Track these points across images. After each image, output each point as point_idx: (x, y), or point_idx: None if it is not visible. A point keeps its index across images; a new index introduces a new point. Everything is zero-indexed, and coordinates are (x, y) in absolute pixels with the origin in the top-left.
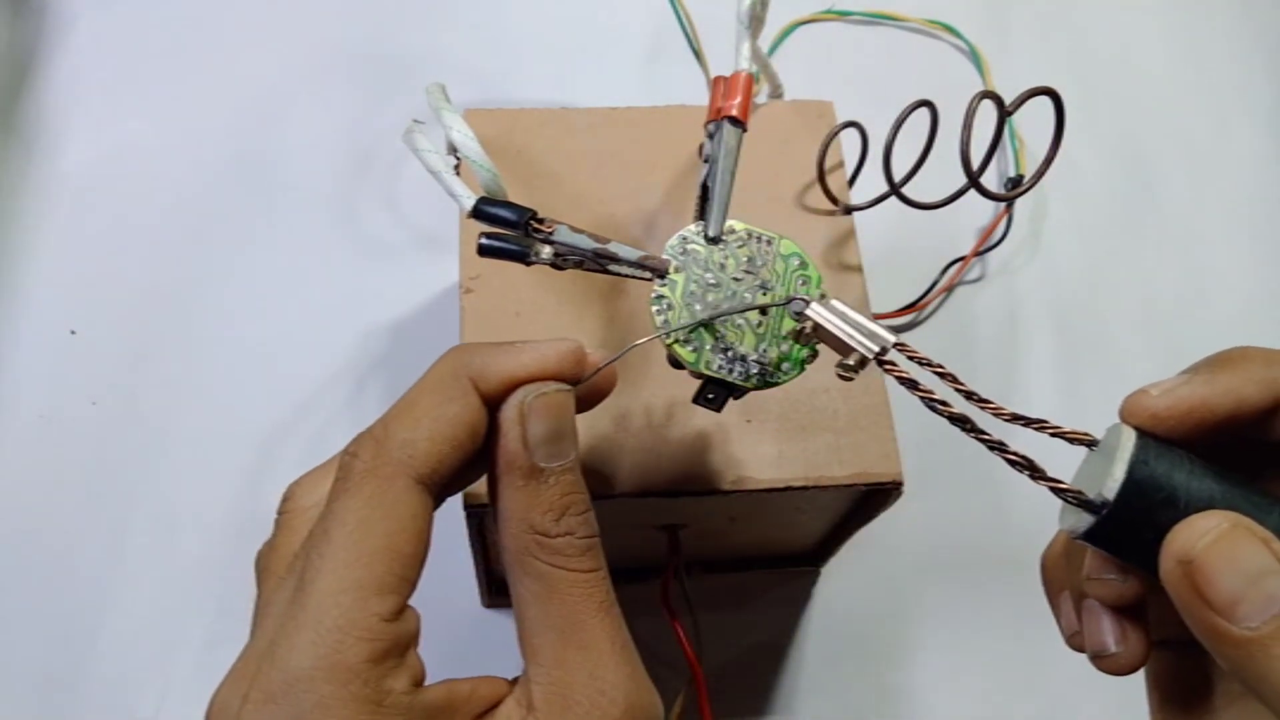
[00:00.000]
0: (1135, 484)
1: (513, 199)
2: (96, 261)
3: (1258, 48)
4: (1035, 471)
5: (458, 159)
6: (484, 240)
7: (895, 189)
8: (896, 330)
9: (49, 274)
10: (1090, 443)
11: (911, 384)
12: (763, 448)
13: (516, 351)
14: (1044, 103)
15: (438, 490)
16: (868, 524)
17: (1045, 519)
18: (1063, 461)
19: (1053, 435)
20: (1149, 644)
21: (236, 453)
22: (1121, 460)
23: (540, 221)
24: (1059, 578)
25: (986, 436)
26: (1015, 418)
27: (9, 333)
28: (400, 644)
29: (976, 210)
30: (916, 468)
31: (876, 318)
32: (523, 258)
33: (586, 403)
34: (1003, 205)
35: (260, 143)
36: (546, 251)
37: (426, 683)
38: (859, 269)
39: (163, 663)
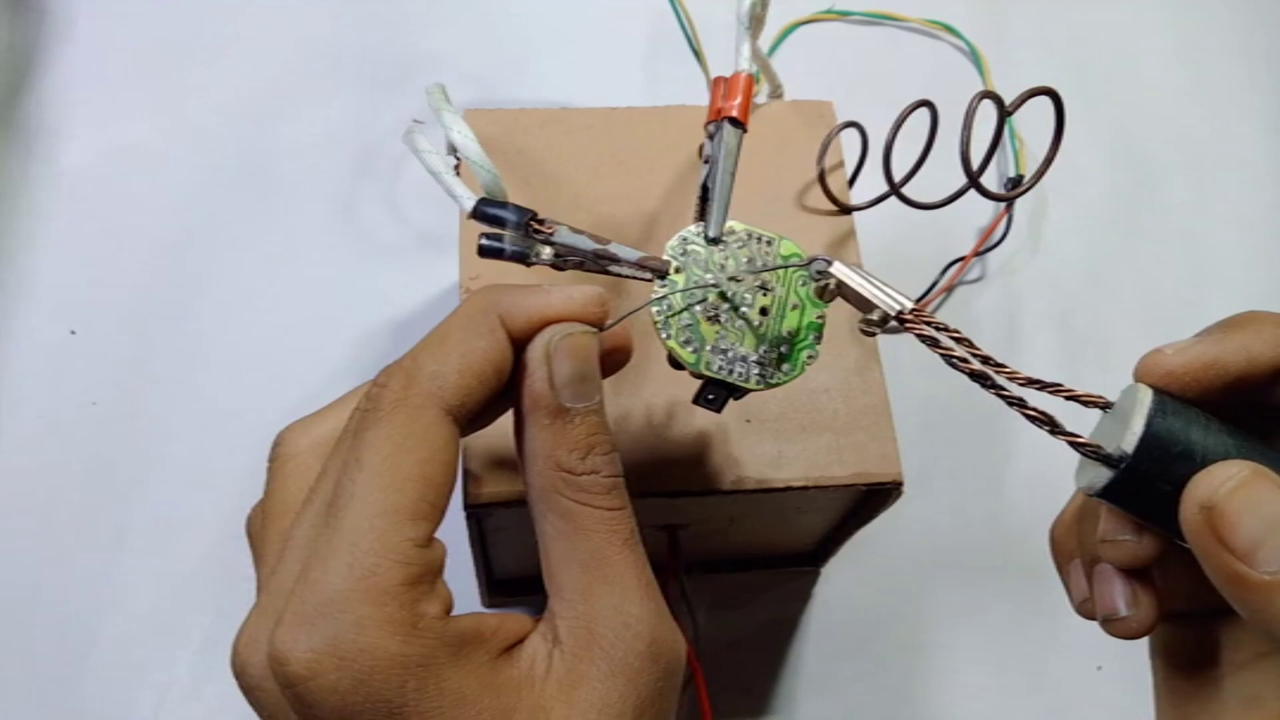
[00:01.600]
0: (1153, 437)
1: (513, 199)
2: (96, 261)
3: (1258, 48)
4: (1054, 427)
5: (458, 159)
6: (484, 241)
7: (895, 189)
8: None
9: (49, 274)
10: (1105, 405)
11: (932, 341)
12: (763, 448)
13: (544, 293)
14: (1044, 103)
15: (464, 423)
16: (868, 524)
17: (1045, 519)
18: (1076, 428)
19: (1068, 399)
20: (1159, 608)
21: (236, 453)
22: (1139, 415)
23: (540, 222)
24: (1069, 546)
25: (1006, 393)
26: (1030, 381)
27: (9, 333)
28: (432, 570)
29: (976, 210)
30: (916, 468)
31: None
32: (523, 259)
33: (608, 364)
34: (1003, 205)
35: (260, 143)
36: (547, 252)
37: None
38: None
39: (163, 663)
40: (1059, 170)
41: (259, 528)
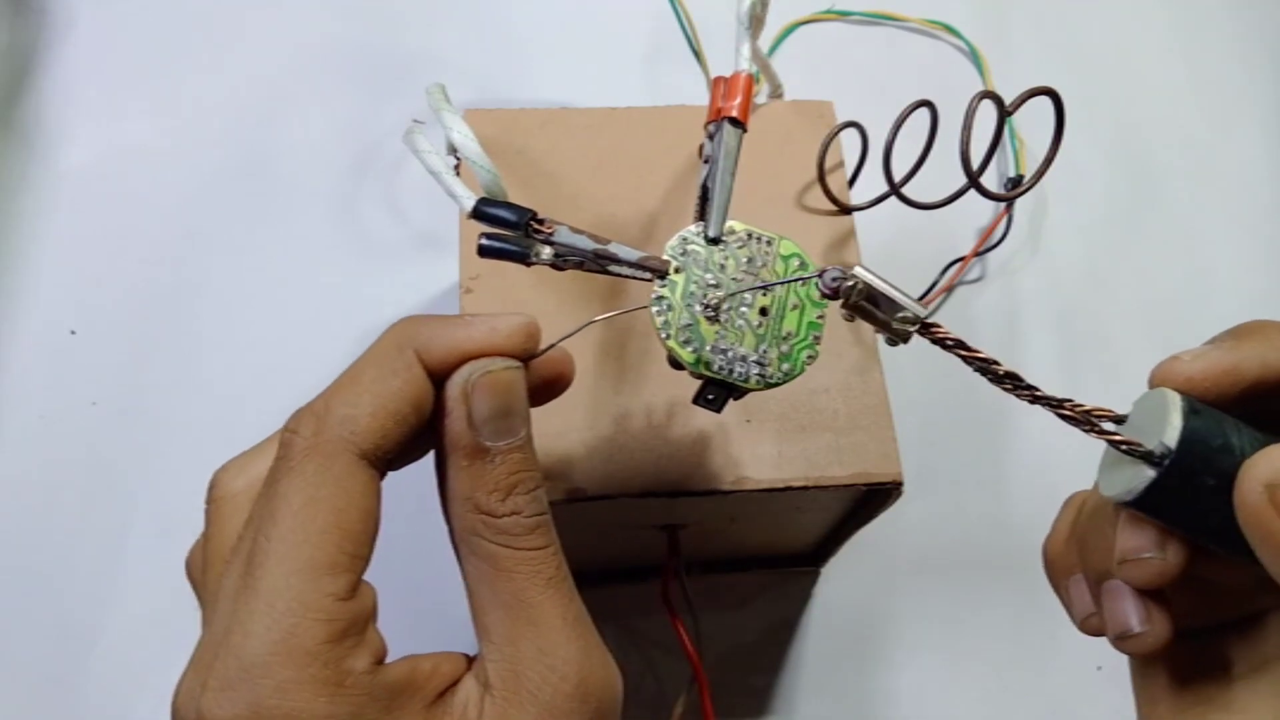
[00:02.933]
0: (1194, 431)
1: (513, 199)
2: (96, 261)
3: (1258, 48)
4: (1092, 425)
5: (458, 159)
6: (484, 241)
7: (895, 189)
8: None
9: (49, 274)
10: (1118, 419)
11: (960, 345)
12: (763, 448)
13: (465, 325)
14: (1044, 103)
15: (383, 465)
16: (868, 524)
17: (1044, 519)
18: (1068, 450)
19: (1079, 414)
20: (1173, 622)
21: (236, 453)
22: (1175, 411)
23: (540, 222)
24: (1067, 563)
25: (1041, 393)
26: (1036, 398)
27: (9, 333)
28: (358, 622)
29: (976, 210)
30: (916, 468)
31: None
32: (523, 258)
33: (544, 392)
34: (1003, 205)
35: (260, 143)
36: (546, 252)
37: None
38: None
39: (163, 663)
40: (1059, 170)
41: (199, 572)
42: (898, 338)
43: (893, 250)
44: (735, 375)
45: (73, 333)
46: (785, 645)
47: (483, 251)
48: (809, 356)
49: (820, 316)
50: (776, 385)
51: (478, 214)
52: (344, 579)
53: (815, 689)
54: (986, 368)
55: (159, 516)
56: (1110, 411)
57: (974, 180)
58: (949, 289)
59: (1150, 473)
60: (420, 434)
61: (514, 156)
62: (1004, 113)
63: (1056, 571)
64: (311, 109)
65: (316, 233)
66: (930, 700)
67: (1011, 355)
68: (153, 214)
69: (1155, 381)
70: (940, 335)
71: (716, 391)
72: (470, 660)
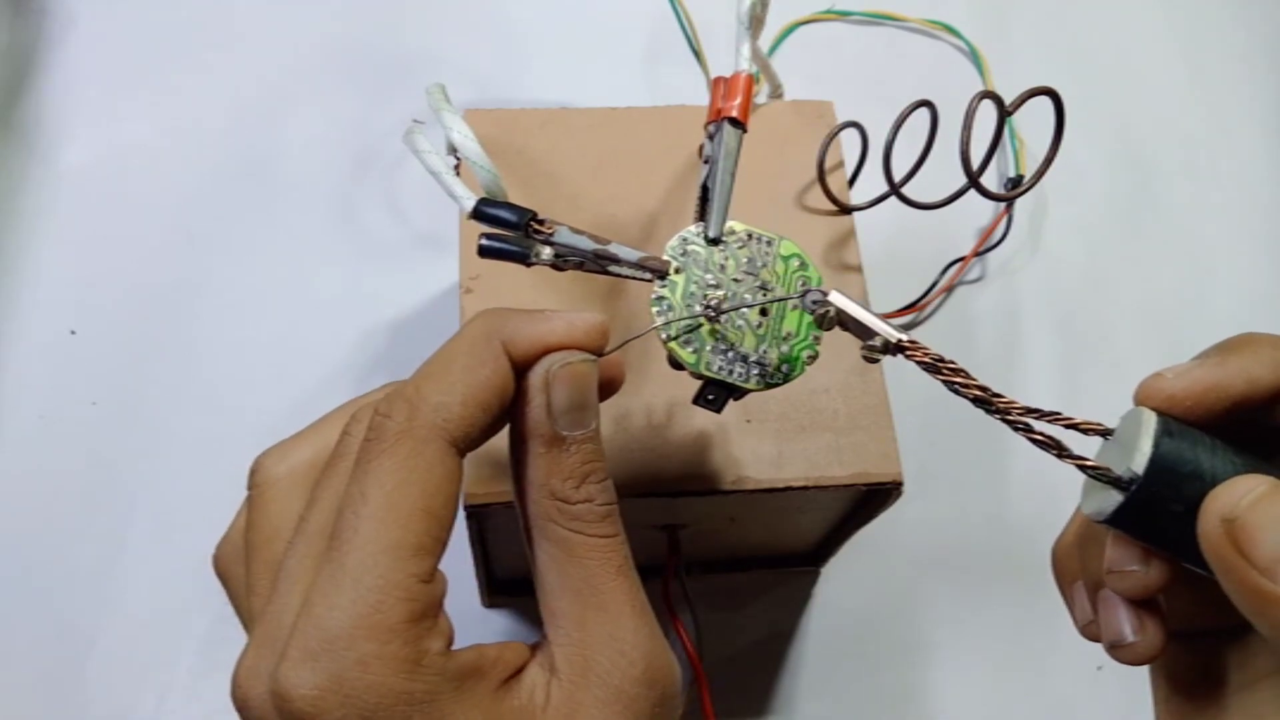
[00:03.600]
0: (1162, 457)
1: (513, 199)
2: (96, 261)
3: (1258, 48)
4: (1061, 451)
5: (458, 159)
6: (484, 241)
7: (895, 189)
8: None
9: (49, 274)
10: (1104, 433)
11: (934, 368)
12: (763, 448)
13: (546, 319)
14: (1044, 103)
15: (466, 450)
16: (868, 524)
17: (1045, 519)
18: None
19: (1066, 427)
20: (1166, 633)
21: (236, 453)
22: (1147, 436)
23: (540, 223)
24: (1071, 568)
25: (1010, 417)
26: (1028, 410)
27: (9, 333)
28: (435, 605)
29: (976, 210)
30: (916, 468)
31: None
32: (523, 259)
33: (601, 392)
34: (1003, 205)
35: (260, 143)
36: (547, 253)
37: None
38: (859, 269)
39: (163, 663)
40: (1059, 170)
41: (235, 560)
42: (868, 359)
43: (893, 250)
44: (735, 376)
45: (73, 333)
46: (785, 645)
47: (483, 252)
48: (809, 357)
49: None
50: (776, 385)
51: (478, 214)
52: (428, 561)
53: (815, 689)
54: (958, 389)
55: (159, 516)
56: (1100, 425)
57: (974, 180)
58: (949, 289)
59: (1118, 497)
60: (498, 421)
61: (514, 156)
62: (1004, 113)
63: (1062, 575)
64: (311, 109)
65: (316, 233)
66: (930, 700)
67: (1011, 355)
68: (153, 214)
69: (1138, 399)
70: (916, 357)
71: (716, 392)
72: (533, 649)
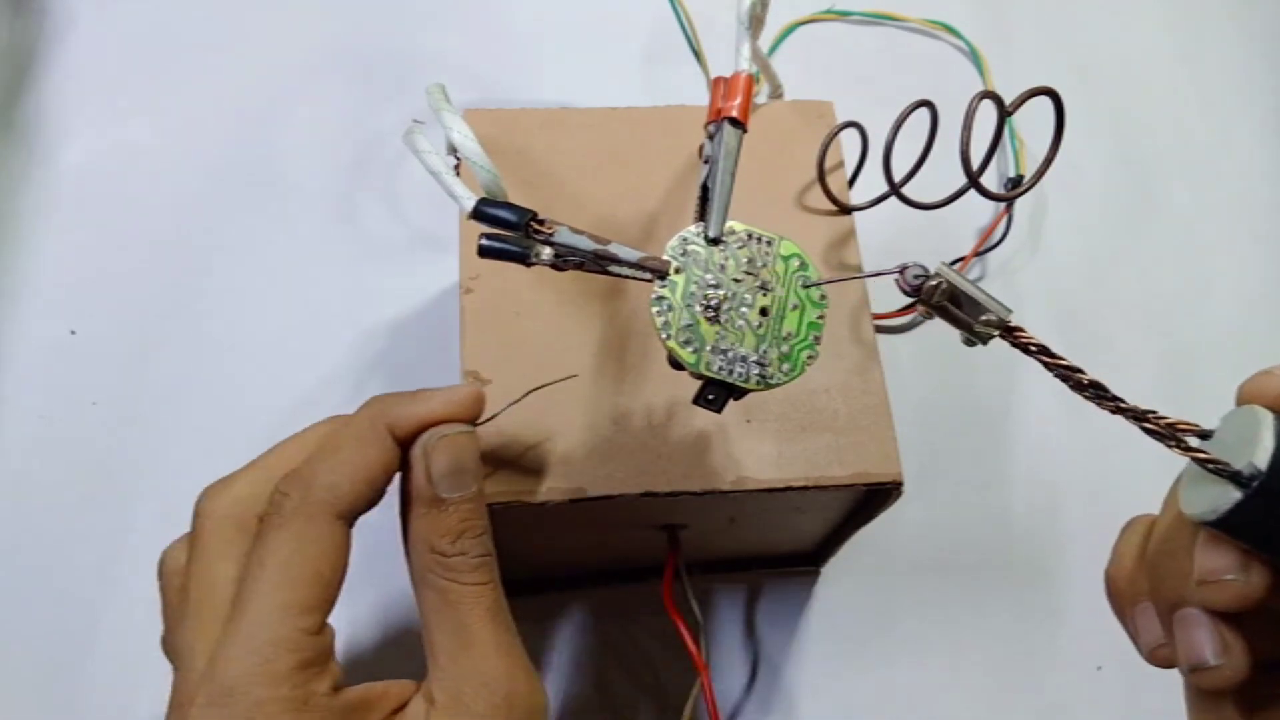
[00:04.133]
0: None
1: (513, 199)
2: (96, 261)
3: (1258, 48)
4: (1177, 441)
5: (458, 159)
6: (484, 241)
7: (895, 189)
8: (897, 330)
9: (49, 274)
10: (1203, 434)
11: (1043, 350)
12: (763, 448)
13: (426, 399)
14: (1044, 103)
15: (354, 520)
16: (868, 524)
17: (1045, 519)
18: (1067, 455)
19: (1163, 428)
20: (1250, 655)
21: (236, 453)
22: (1267, 430)
23: (541, 223)
24: (1134, 590)
25: (1125, 404)
26: (1119, 409)
27: (9, 333)
28: (323, 654)
29: (976, 210)
30: (916, 468)
31: (877, 318)
32: (523, 259)
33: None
34: (1003, 205)
35: (260, 142)
36: (547, 253)
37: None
38: (859, 269)
39: (163, 663)
40: (1059, 170)
41: (178, 578)
42: (978, 340)
43: (893, 250)
44: (735, 375)
45: (73, 333)
46: (785, 645)
47: (483, 252)
48: (809, 357)
49: (820, 317)
50: (777, 386)
51: (478, 214)
52: (314, 618)
53: (815, 689)
54: (1069, 375)
55: (159, 516)
56: (1195, 426)
57: (974, 180)
58: None
59: (1236, 493)
60: (384, 490)
61: (514, 156)
62: (1004, 113)
63: (1123, 599)
64: (312, 109)
65: (316, 233)
66: (930, 700)
67: (1011, 355)
68: (153, 214)
69: (1244, 397)
70: (1024, 340)
71: (717, 392)
72: (418, 685)
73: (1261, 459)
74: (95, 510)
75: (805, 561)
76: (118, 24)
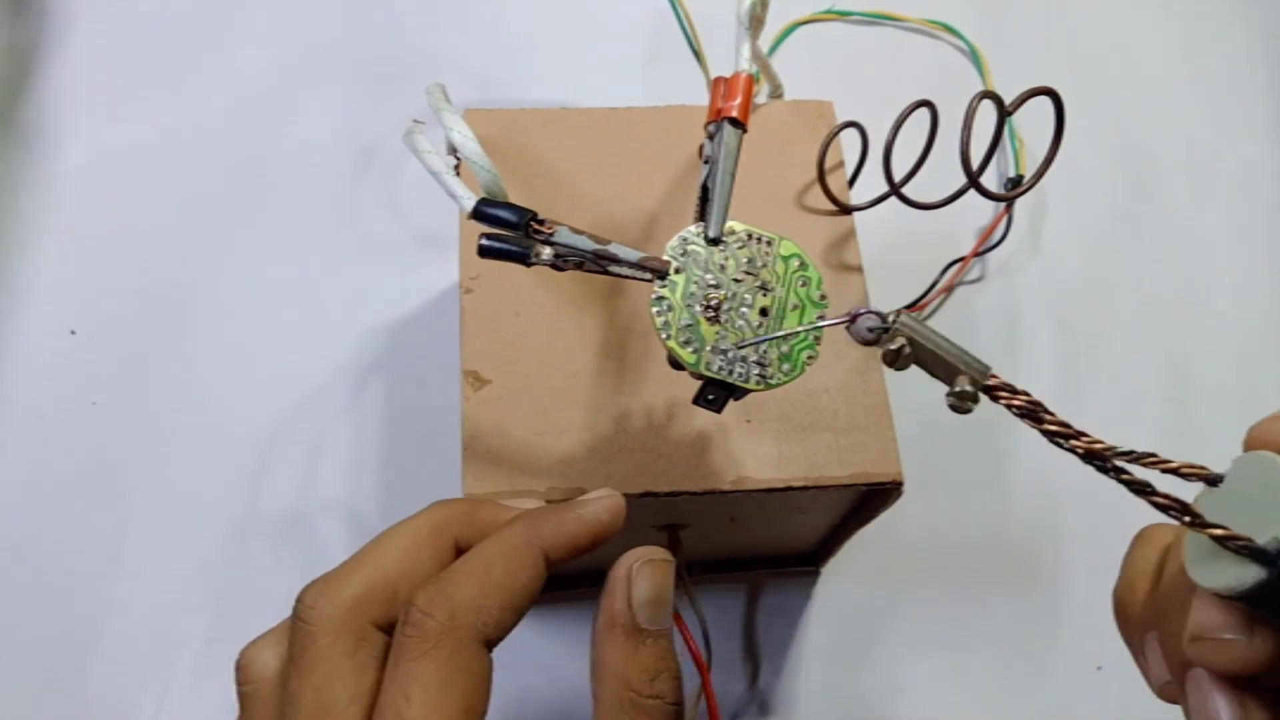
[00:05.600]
0: None
1: (513, 199)
2: (96, 261)
3: (1258, 48)
4: (1193, 517)
5: (458, 159)
6: (484, 241)
7: (895, 189)
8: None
9: (49, 274)
10: (1211, 479)
11: (1031, 414)
12: (763, 448)
13: (578, 520)
14: (1044, 103)
15: (494, 647)
16: (868, 524)
17: (1045, 519)
18: (1070, 476)
19: (1164, 471)
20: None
21: (236, 453)
22: None
23: (541, 223)
24: (1146, 619)
25: (1128, 477)
26: (1120, 454)
27: (9, 333)
28: None
29: (976, 210)
30: (916, 468)
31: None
32: (523, 259)
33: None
34: (1003, 205)
35: (260, 143)
36: (547, 253)
37: None
38: (859, 269)
39: (163, 663)
40: (1059, 170)
41: (267, 686)
42: (958, 409)
43: (893, 250)
44: (735, 376)
45: (73, 333)
46: (785, 645)
47: (483, 252)
48: (809, 357)
49: (820, 317)
50: (777, 386)
51: (478, 214)
52: None
53: (815, 689)
54: (1063, 440)
55: (159, 516)
56: (1204, 469)
57: (974, 180)
58: (949, 289)
59: (1260, 572)
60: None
61: (514, 156)
62: (1004, 113)
63: (1130, 626)
64: (311, 109)
65: (316, 233)
66: (930, 700)
67: (1011, 355)
68: (153, 214)
69: (1254, 442)
70: (1008, 401)
71: (717, 392)
72: None
73: None
74: (95, 510)
75: (805, 561)
76: (118, 24)
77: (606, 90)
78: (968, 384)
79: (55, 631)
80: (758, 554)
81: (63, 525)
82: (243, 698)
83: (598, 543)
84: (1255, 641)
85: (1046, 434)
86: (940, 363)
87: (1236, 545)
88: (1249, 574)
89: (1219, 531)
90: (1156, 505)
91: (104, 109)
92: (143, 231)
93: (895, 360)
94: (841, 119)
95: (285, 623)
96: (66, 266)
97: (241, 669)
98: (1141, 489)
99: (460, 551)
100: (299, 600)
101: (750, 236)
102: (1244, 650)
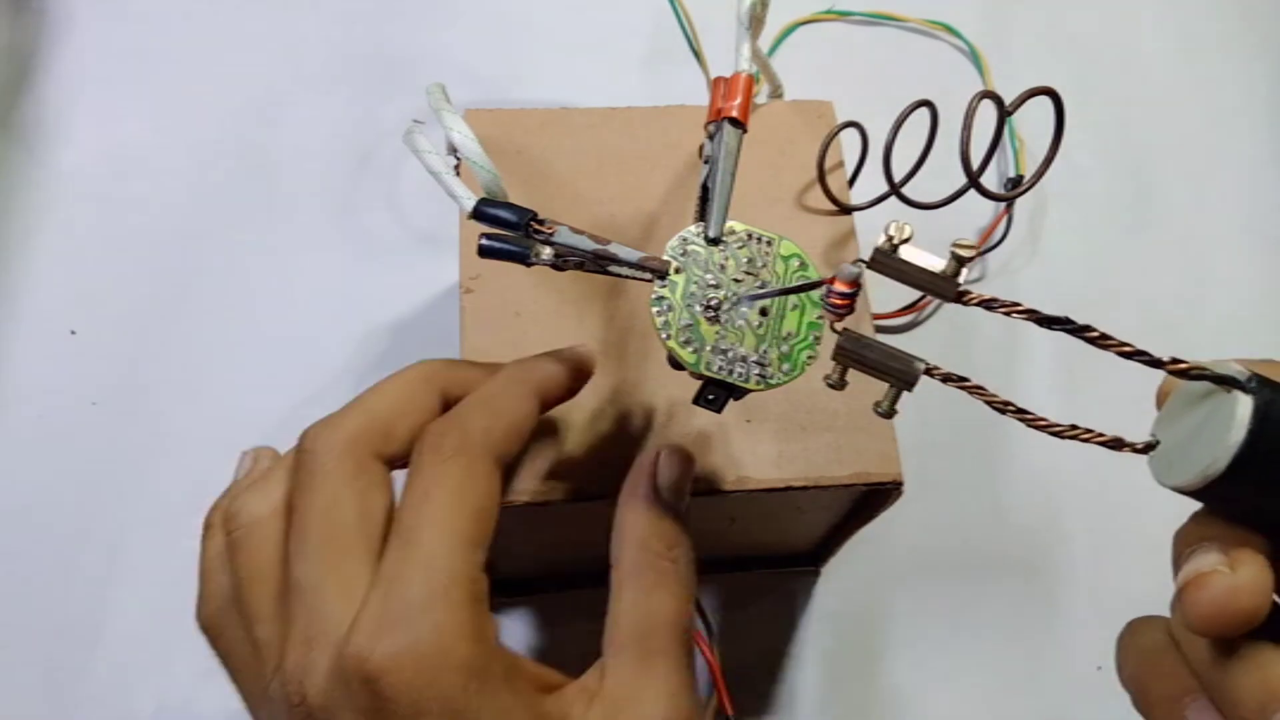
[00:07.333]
0: (1267, 417)
1: (513, 199)
2: (96, 261)
3: (1257, 47)
4: (1117, 441)
5: (458, 159)
6: (484, 241)
7: (895, 189)
8: (897, 330)
9: (49, 274)
10: (1146, 446)
11: (959, 380)
12: (763, 448)
13: (559, 359)
14: (1044, 103)
15: (503, 473)
16: (868, 524)
17: (1045, 519)
18: (1069, 456)
19: (1095, 444)
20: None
21: (236, 453)
22: (1232, 371)
23: (541, 223)
24: (1180, 686)
25: (1038, 419)
26: (1046, 429)
27: (9, 333)
28: (486, 596)
29: (976, 210)
30: (916, 468)
31: (876, 318)
32: (523, 259)
33: (576, 381)
34: (1003, 205)
35: (260, 143)
36: (547, 253)
37: None
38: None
39: (163, 663)
40: (1059, 170)
41: (228, 606)
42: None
43: None
44: (735, 375)
45: (73, 333)
46: (785, 645)
47: (483, 251)
48: (809, 356)
49: (820, 317)
50: (777, 385)
51: (478, 214)
52: (481, 555)
53: (815, 689)
54: (996, 407)
55: (159, 516)
56: (1135, 443)
57: (974, 180)
58: None
59: (1241, 434)
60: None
61: (514, 156)
62: (1004, 113)
63: (1159, 705)
64: (311, 109)
65: (317, 233)
66: (930, 700)
67: (1011, 356)
68: (153, 214)
69: (1160, 396)
70: (944, 373)
71: (717, 391)
72: (567, 679)
73: (1243, 372)
74: (95, 510)
75: (805, 561)
76: (118, 24)
77: (606, 90)
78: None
79: (55, 631)
80: (758, 554)
81: (63, 525)
82: (233, 544)
83: (579, 381)
84: (1239, 572)
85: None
86: (881, 370)
87: (1218, 376)
88: (1233, 436)
89: (1184, 366)
90: (1149, 363)
91: (104, 109)
92: (143, 231)
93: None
94: (841, 119)
95: (267, 472)
96: (66, 266)
97: (230, 517)
98: (1071, 429)
99: (447, 403)
100: (302, 438)
101: (750, 236)
102: (1228, 582)
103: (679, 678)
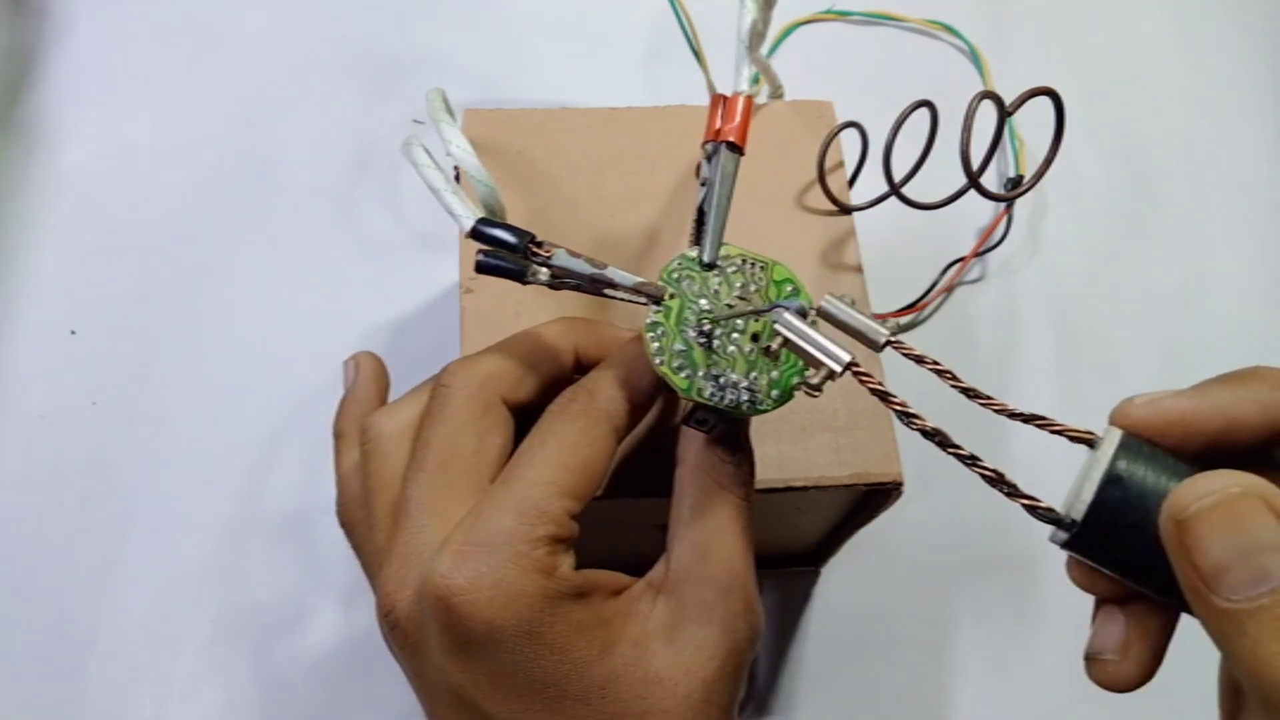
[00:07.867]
0: (1103, 503)
1: (512, 200)
2: (96, 261)
3: (1258, 47)
4: (1010, 488)
5: (456, 166)
6: (481, 258)
7: (895, 189)
8: (897, 330)
9: (49, 274)
10: (1090, 441)
11: (883, 395)
12: (763, 448)
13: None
14: (1044, 103)
15: (619, 441)
16: (868, 524)
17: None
18: (1063, 458)
19: (1053, 433)
20: (1154, 665)
21: (236, 453)
22: (1098, 470)
23: (539, 245)
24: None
25: (958, 450)
26: (1013, 415)
27: (9, 333)
28: (570, 539)
29: (976, 210)
30: (916, 468)
31: (876, 317)
32: (519, 276)
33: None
34: (1003, 205)
35: (260, 143)
36: (544, 273)
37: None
38: (859, 269)
39: (163, 663)
40: (1059, 170)
41: (357, 507)
42: (809, 393)
43: (893, 250)
44: (726, 402)
45: (73, 333)
46: (785, 645)
47: (480, 268)
48: (799, 382)
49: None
50: (765, 412)
51: (476, 234)
52: (576, 505)
53: (815, 689)
54: (911, 422)
55: (159, 516)
56: (1089, 434)
57: (974, 180)
58: (949, 289)
59: (1062, 535)
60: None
61: (514, 157)
62: (1004, 113)
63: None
64: (311, 109)
65: (316, 233)
66: (930, 699)
67: (1011, 355)
68: (153, 214)
69: (1112, 420)
70: (869, 383)
71: (706, 415)
72: (634, 580)
73: (1079, 510)
74: (95, 510)
75: (805, 561)
76: (118, 24)
77: (606, 90)
78: (817, 378)
79: (55, 631)
80: (758, 554)
81: (63, 525)
82: (365, 454)
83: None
84: (1126, 661)
85: (899, 415)
86: (804, 354)
87: (1039, 514)
88: (1057, 538)
89: (1027, 502)
90: (984, 478)
91: (104, 109)
92: (143, 231)
93: (767, 352)
94: (841, 119)
95: (407, 396)
96: (66, 266)
97: (364, 431)
98: (969, 460)
99: (580, 361)
100: (443, 370)
101: (745, 261)
102: (1117, 669)
103: (744, 573)
